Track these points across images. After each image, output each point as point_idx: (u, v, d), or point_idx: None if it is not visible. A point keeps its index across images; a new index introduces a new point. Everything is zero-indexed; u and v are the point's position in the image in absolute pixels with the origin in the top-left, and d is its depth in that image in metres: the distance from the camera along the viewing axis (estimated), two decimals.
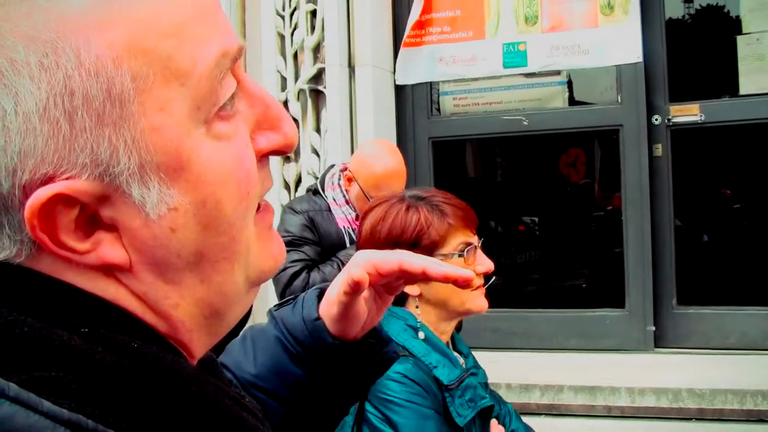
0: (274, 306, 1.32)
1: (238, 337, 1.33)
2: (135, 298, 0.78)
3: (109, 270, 0.76)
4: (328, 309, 1.19)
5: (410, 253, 1.17)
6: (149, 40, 0.73)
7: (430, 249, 2.20)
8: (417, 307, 2.27)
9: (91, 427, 0.65)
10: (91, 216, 0.74)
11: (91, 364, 0.70)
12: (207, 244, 0.79)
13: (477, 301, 2.31)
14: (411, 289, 2.24)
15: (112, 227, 0.75)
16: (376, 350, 1.26)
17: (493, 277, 3.24)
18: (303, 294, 1.28)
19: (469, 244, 2.30)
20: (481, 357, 5.54)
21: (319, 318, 1.20)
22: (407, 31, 5.83)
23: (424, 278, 1.15)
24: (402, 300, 2.30)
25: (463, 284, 1.12)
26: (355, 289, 1.12)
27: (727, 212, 7.57)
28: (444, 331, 2.35)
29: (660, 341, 5.55)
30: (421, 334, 2.24)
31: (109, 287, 0.77)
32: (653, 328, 5.51)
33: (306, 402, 1.23)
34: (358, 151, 3.95)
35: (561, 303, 6.47)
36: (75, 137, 0.71)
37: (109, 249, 0.75)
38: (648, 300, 5.52)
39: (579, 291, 7.30)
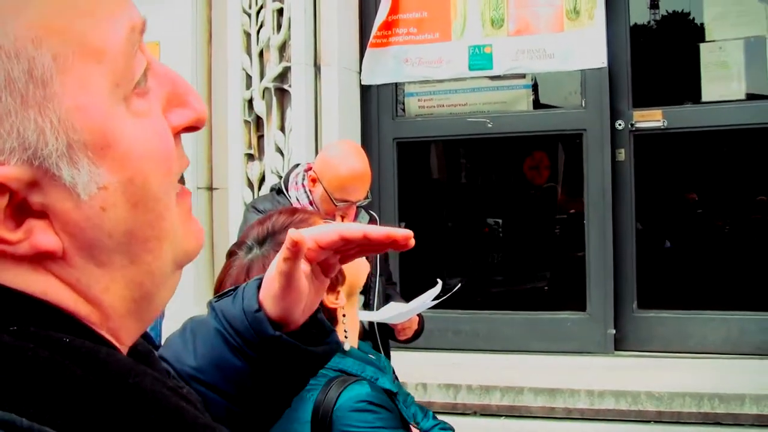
0: (214, 297, 1.30)
1: (178, 329, 1.31)
2: (66, 288, 0.77)
3: (40, 260, 0.75)
4: (269, 287, 1.17)
5: (347, 223, 1.14)
6: (64, 18, 0.72)
7: None
8: (344, 316, 2.15)
9: (26, 426, 0.64)
10: (20, 204, 0.73)
11: (22, 362, 0.69)
12: (136, 222, 0.79)
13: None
14: (336, 302, 2.09)
15: (42, 213, 0.74)
16: (317, 340, 1.24)
17: (459, 285, 3.26)
18: (243, 285, 1.26)
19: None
20: (444, 358, 5.58)
21: (259, 309, 1.18)
22: (374, 32, 5.83)
23: (364, 242, 1.13)
24: None
25: (404, 242, 1.11)
26: (294, 252, 1.10)
27: (689, 217, 7.66)
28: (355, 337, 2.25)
29: (620, 344, 5.59)
30: (347, 345, 2.14)
31: (38, 281, 0.76)
32: (614, 332, 5.55)
33: (248, 394, 1.22)
34: (323, 152, 3.92)
35: (523, 305, 6.51)
36: (0, 122, 0.70)
37: (42, 236, 0.74)
38: (609, 303, 5.56)
39: (541, 293, 7.35)
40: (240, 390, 1.21)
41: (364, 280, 2.32)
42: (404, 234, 1.11)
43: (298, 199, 3.75)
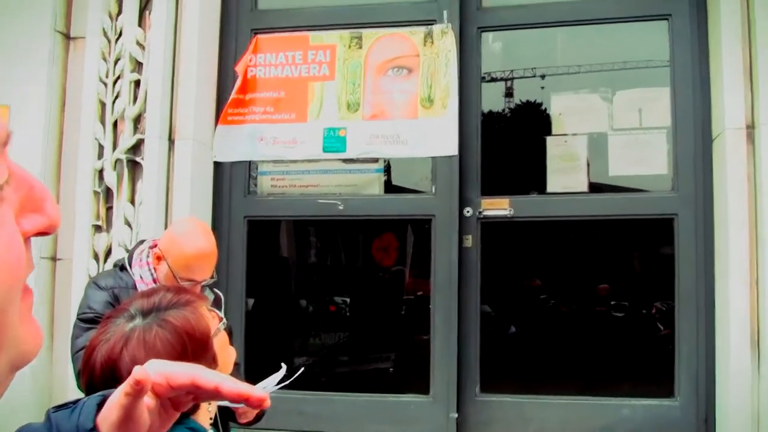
0: (53, 408, 1.23)
1: None
2: None
3: None
4: (108, 414, 1.10)
5: (205, 368, 1.12)
6: None
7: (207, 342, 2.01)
8: (209, 403, 2.11)
9: None
10: None
11: None
12: None
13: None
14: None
15: None
16: None
17: (301, 369, 3.25)
18: (85, 399, 1.19)
19: (221, 318, 2.15)
20: None
21: (94, 428, 1.12)
22: (224, 109, 5.85)
23: (215, 395, 1.08)
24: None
25: (257, 404, 1.07)
26: (136, 389, 1.04)
27: (533, 303, 7.85)
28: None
29: (462, 428, 5.64)
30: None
31: None
32: (456, 415, 5.60)
33: None
34: (170, 230, 3.88)
35: (368, 386, 6.52)
36: None
37: None
38: (452, 387, 5.62)
39: (386, 375, 7.38)
40: None
41: (233, 367, 2.28)
42: (258, 396, 1.07)
43: (141, 277, 3.69)
